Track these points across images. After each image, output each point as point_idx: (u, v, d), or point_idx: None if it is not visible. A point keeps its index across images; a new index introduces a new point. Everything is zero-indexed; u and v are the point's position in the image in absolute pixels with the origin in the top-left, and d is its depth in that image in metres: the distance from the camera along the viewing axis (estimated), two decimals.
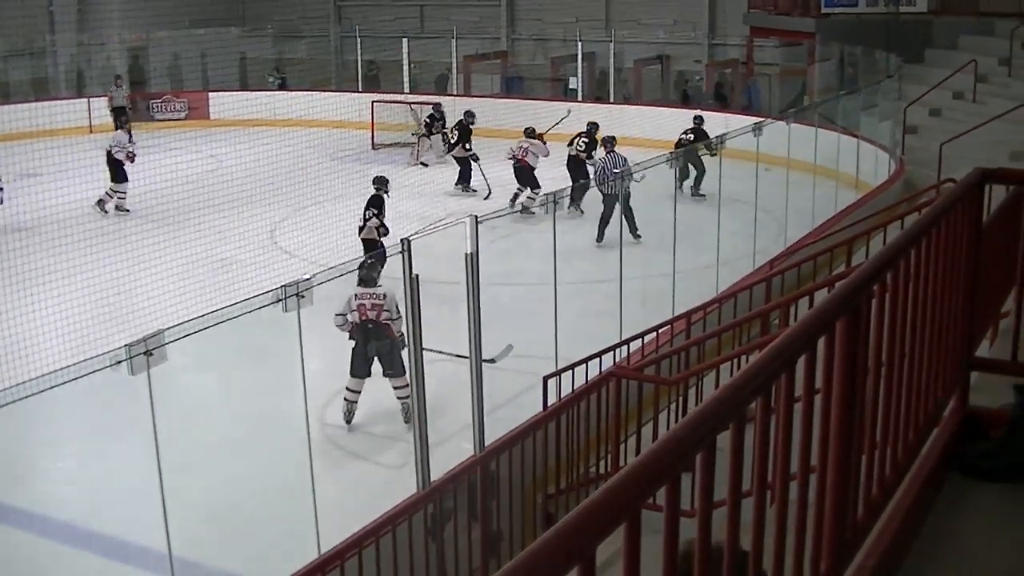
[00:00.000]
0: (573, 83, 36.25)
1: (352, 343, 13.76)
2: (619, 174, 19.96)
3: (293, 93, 38.06)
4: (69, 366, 8.29)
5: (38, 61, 40.85)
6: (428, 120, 31.60)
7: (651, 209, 16.80)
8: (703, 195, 23.72)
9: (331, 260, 14.20)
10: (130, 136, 28.41)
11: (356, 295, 13.59)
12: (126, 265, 18.78)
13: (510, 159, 25.47)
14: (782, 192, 18.63)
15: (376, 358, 13.72)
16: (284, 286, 9.18)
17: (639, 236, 19.06)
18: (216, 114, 37.81)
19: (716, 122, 27.02)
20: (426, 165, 30.46)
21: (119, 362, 8.46)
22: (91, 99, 37.04)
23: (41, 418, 12.71)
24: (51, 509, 12.18)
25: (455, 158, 28.21)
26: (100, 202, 25.76)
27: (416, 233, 10.05)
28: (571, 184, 23.23)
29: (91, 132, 34.97)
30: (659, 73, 38.46)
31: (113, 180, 26.18)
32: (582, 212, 22.15)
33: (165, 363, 8.66)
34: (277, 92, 38.92)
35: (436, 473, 9.80)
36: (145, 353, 8.64)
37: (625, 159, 21.52)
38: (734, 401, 2.98)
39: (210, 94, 38.97)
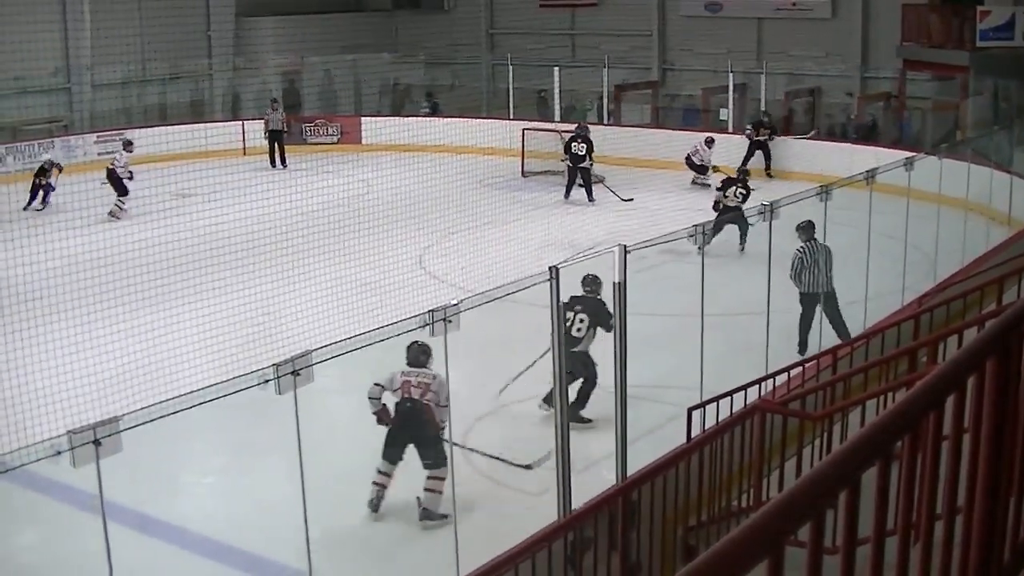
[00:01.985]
0: (724, 114, 36.07)
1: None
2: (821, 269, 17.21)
3: (444, 120, 38.32)
4: (217, 383, 8.44)
5: (195, 84, 41.71)
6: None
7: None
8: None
9: (478, 286, 14.27)
10: (282, 156, 29.68)
11: (403, 372, 12.49)
12: (275, 285, 19.07)
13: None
14: (933, 228, 18.37)
15: (414, 445, 12.49)
16: (431, 311, 9.26)
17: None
18: (368, 139, 38.21)
19: (866, 156, 26.68)
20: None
21: (267, 381, 8.59)
22: (245, 122, 37.76)
23: (188, 434, 12.95)
24: (193, 523, 12.39)
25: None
26: (111, 214, 28.01)
27: (565, 261, 10.09)
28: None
29: (244, 154, 35.63)
30: (810, 105, 38.13)
31: (119, 194, 28.71)
32: (742, 249, 21.67)
33: (311, 383, 8.78)
34: (428, 118, 39.20)
35: (577, 502, 9.81)
36: (292, 373, 8.76)
37: (828, 250, 17.44)
38: (880, 439, 2.96)
39: (362, 119, 39.41)
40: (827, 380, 10.79)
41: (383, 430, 12.31)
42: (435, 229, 25.49)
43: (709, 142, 30.83)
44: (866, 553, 3.04)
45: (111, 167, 29.17)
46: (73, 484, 11.05)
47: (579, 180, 29.77)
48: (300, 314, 17.37)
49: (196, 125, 35.02)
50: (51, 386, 14.92)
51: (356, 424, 14.78)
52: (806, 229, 17.20)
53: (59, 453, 7.89)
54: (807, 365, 12.38)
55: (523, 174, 33.48)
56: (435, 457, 12.27)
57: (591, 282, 14.55)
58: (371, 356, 8.89)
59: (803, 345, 16.80)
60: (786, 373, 11.94)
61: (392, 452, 12.46)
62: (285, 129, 35.95)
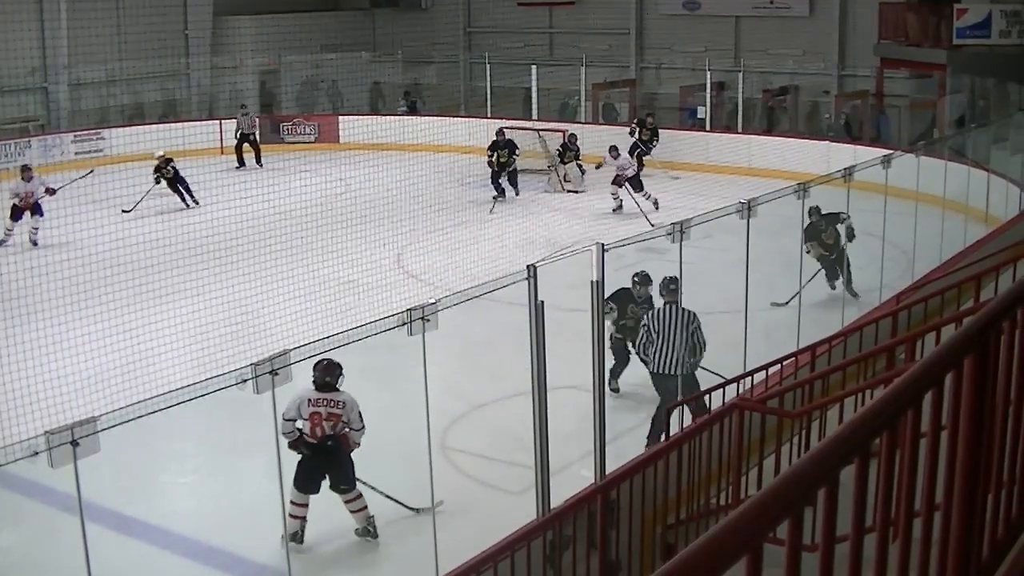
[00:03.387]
0: (701, 112, 36.11)
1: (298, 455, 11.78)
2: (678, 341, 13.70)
3: (422, 118, 38.30)
4: (195, 383, 8.42)
5: (172, 83, 41.60)
6: (560, 149, 31.77)
7: (775, 239, 16.63)
8: (857, 295, 18.69)
9: (457, 285, 14.26)
10: (257, 156, 29.24)
11: (310, 400, 11.61)
12: (253, 285, 19.02)
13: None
14: (910, 225, 18.41)
15: (328, 474, 11.82)
16: (410, 310, 9.25)
17: None
18: (346, 137, 38.21)
19: (844, 154, 26.74)
20: (578, 192, 30.80)
21: (245, 380, 8.58)
22: (222, 121, 37.70)
23: (167, 434, 12.93)
24: (172, 522, 12.36)
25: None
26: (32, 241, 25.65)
27: (543, 260, 10.08)
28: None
29: (222, 153, 35.59)
30: (787, 103, 38.19)
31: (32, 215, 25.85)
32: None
33: (290, 383, 8.77)
34: (406, 117, 39.18)
35: (556, 501, 9.81)
36: (271, 372, 8.75)
37: (692, 316, 13.84)
38: (859, 436, 2.97)
39: (340, 118, 39.39)
40: (805, 378, 10.83)
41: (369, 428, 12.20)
42: (413, 228, 25.47)
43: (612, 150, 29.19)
44: (845, 551, 3.04)
45: (16, 203, 25.83)
46: (52, 485, 11.04)
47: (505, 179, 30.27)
48: (278, 314, 17.36)
49: (173, 124, 34.97)
50: (28, 386, 14.87)
51: None
52: (668, 287, 13.88)
53: (36, 454, 7.87)
54: (785, 363, 12.40)
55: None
56: (349, 481, 11.82)
57: (643, 279, 14.98)
58: (349, 355, 8.87)
59: (655, 437, 13.02)
60: (764, 371, 11.96)
61: (309, 484, 11.71)
62: (254, 132, 35.73)
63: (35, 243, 25.31)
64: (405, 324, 9.22)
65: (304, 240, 22.69)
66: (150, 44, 38.98)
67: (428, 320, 9.25)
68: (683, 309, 13.62)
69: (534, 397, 9.58)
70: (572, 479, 10.43)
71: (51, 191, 25.55)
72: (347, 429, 11.76)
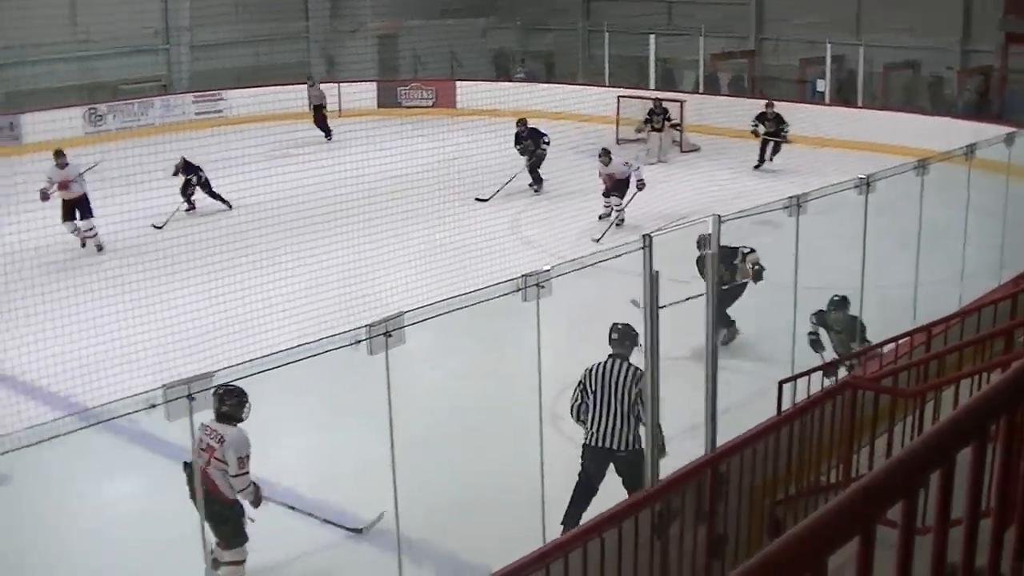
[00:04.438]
0: (821, 85, 35.72)
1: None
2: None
3: (539, 85, 38.25)
4: (308, 343, 8.51)
5: (292, 46, 41.91)
6: (649, 116, 31.65)
7: (894, 214, 16.35)
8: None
9: (570, 253, 14.24)
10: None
11: (202, 425, 10.23)
12: (368, 248, 19.14)
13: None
14: None
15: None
16: (524, 276, 9.26)
17: None
18: (463, 103, 38.26)
19: (968, 131, 26.28)
20: (661, 161, 30.71)
21: (358, 341, 8.64)
22: (341, 84, 37.89)
23: (280, 392, 13.07)
24: (283, 479, 12.48)
25: None
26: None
27: (660, 230, 10.05)
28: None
29: (340, 116, 35.79)
30: (909, 78, 37.65)
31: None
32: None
33: (403, 345, 8.82)
34: (523, 84, 39.14)
35: (664, 472, 9.79)
36: (385, 334, 8.80)
37: (637, 376, 11.10)
38: (976, 419, 2.93)
39: (457, 83, 39.47)
40: (921, 357, 10.70)
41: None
42: (528, 195, 25.48)
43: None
44: (957, 535, 3.02)
45: (47, 191, 22.74)
46: (168, 438, 11.25)
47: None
48: (395, 278, 17.46)
49: (294, 86, 35.27)
50: (147, 340, 15.14)
51: (448, 385, 14.87)
52: (619, 340, 11.49)
53: (153, 406, 8.02)
54: (900, 342, 12.27)
55: (617, 142, 33.33)
56: (226, 535, 10.54)
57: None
58: (463, 319, 8.90)
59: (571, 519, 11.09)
60: (879, 349, 11.84)
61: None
62: (324, 102, 35.61)
63: (100, 247, 22.84)
64: (520, 290, 9.23)
65: (419, 204, 22.76)
66: (270, 7, 39.38)
67: (543, 287, 9.26)
68: (634, 369, 11.06)
69: (647, 367, 9.53)
70: (682, 452, 10.37)
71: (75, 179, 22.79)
72: (217, 472, 10.31)
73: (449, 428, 13.30)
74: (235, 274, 17.85)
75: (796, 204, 12.06)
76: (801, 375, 11.38)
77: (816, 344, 14.44)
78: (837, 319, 14.53)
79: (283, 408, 13.95)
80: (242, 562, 10.65)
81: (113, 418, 9.37)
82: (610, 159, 24.58)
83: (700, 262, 13.73)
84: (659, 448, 9.69)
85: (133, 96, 37.55)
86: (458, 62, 42.51)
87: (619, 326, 11.35)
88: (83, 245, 22.83)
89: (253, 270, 18.35)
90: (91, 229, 22.87)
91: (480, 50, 42.73)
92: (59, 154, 23.07)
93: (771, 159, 30.52)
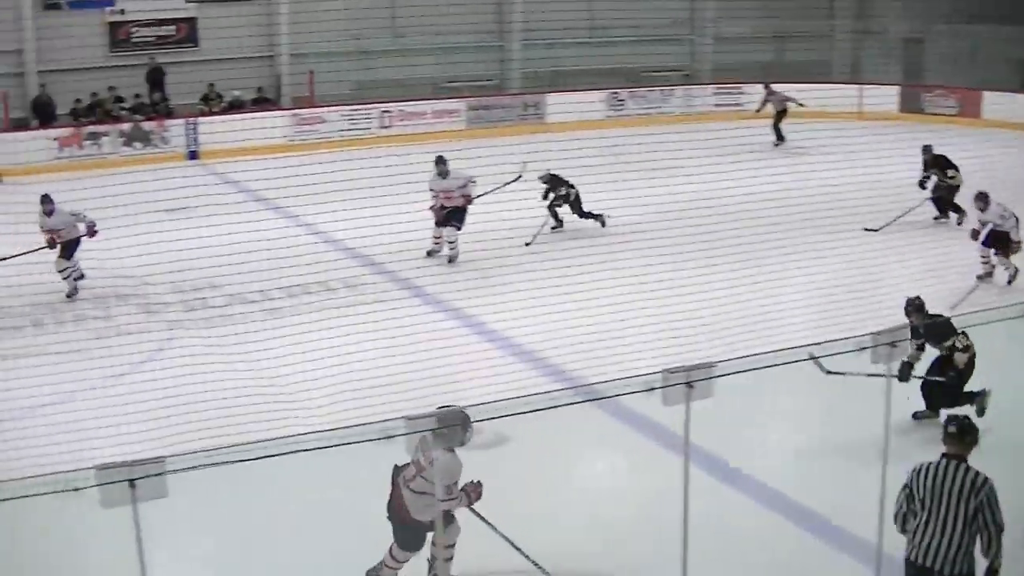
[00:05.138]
0: None
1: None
2: None
3: None
4: (810, 344, 8.37)
5: (814, 44, 41.50)
6: None
7: None
8: None
9: None
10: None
11: (423, 441, 9.19)
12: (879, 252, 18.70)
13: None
14: None
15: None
16: None
17: None
18: (989, 114, 36.75)
19: None
20: None
21: (863, 348, 8.41)
22: (863, 86, 37.28)
23: (780, 389, 12.95)
24: (772, 479, 12.30)
25: None
26: None
27: None
28: None
29: (860, 118, 35.26)
30: None
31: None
32: None
33: (904, 357, 8.48)
34: None
35: None
36: (890, 344, 8.56)
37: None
38: None
39: (984, 93, 37.99)
40: None
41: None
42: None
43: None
44: None
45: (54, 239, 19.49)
46: (660, 422, 11.32)
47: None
48: (898, 284, 16.96)
49: (813, 85, 34.93)
50: (646, 325, 15.32)
51: None
52: (958, 436, 8.59)
53: (652, 389, 8.09)
54: None
55: None
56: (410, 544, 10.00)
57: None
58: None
59: None
60: None
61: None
62: (785, 106, 34.41)
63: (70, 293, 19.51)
64: None
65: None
66: (796, 4, 39.28)
67: None
68: (969, 469, 8.52)
69: None
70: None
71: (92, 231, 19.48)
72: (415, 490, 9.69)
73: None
74: (740, 266, 17.80)
75: None
76: None
77: None
78: None
79: (784, 405, 13.71)
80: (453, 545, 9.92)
81: (608, 397, 9.53)
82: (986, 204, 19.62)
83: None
84: (993, 573, 8.35)
85: (654, 84, 38.27)
86: (984, 70, 40.89)
87: (961, 420, 8.79)
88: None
89: (757, 263, 18.25)
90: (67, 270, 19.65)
91: (1006, 58, 40.86)
92: (46, 199, 19.50)
93: None
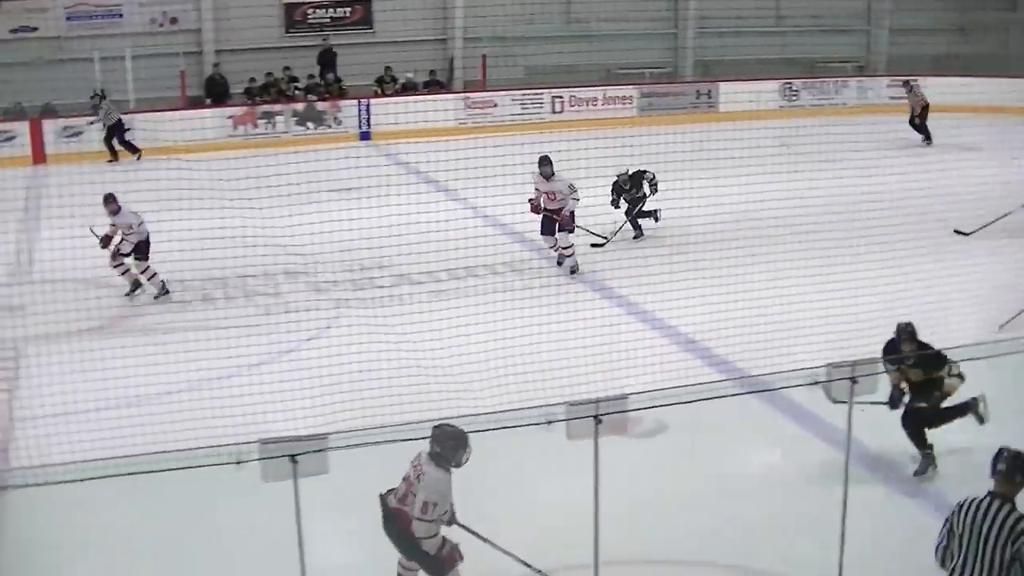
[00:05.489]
0: None
1: None
2: None
3: None
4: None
5: (992, 37, 40.64)
6: None
7: None
8: None
9: None
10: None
11: (418, 456, 9.34)
12: None
13: None
14: None
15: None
16: None
17: None
18: None
19: None
20: None
21: None
22: None
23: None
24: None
25: None
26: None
27: None
28: None
29: None
30: None
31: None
32: None
33: None
34: None
35: None
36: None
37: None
38: None
39: None
40: None
41: None
42: None
43: None
44: None
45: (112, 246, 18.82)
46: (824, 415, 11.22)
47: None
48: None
49: (989, 79, 34.26)
50: (817, 317, 15.10)
51: None
52: (1007, 474, 8.05)
53: (816, 383, 8.13)
54: None
55: None
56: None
57: None
58: None
59: None
60: None
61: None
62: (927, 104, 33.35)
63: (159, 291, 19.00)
64: None
65: None
66: None
67: None
68: (1013, 510, 8.00)
69: None
70: None
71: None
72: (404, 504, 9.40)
73: None
74: (909, 263, 17.52)
75: None
76: None
77: None
78: None
79: None
80: None
81: (769, 389, 9.49)
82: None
83: None
84: None
85: (829, 75, 37.91)
86: None
87: (1012, 456, 8.05)
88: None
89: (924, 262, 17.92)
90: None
91: None
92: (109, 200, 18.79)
93: None
